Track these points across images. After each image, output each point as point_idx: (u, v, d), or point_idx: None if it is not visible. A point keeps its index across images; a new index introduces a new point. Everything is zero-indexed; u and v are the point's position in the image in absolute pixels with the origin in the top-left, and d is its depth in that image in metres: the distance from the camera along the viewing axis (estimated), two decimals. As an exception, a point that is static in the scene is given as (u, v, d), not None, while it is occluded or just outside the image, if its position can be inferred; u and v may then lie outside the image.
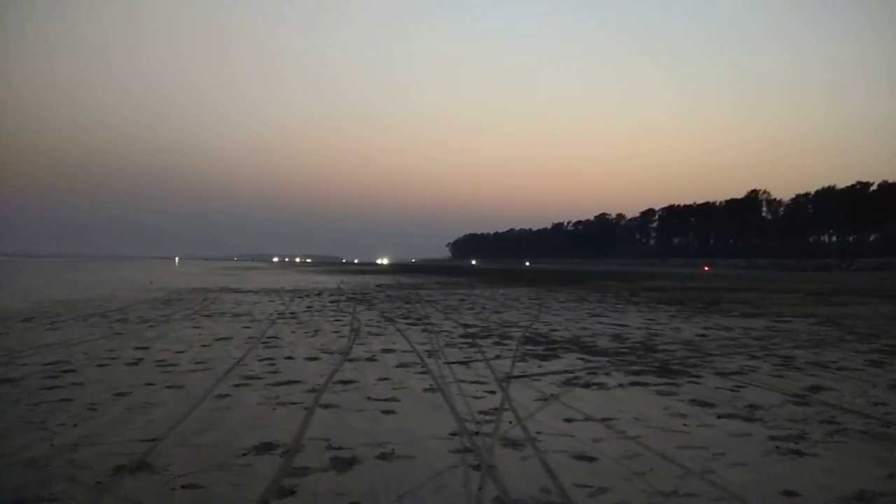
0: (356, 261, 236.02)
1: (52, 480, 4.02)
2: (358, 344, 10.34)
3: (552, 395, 6.59)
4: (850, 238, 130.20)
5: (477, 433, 5.14)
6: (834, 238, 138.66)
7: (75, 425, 5.27)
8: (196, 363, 8.36)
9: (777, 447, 4.83)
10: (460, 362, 8.57)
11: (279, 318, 14.47)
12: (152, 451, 4.58)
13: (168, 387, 6.86)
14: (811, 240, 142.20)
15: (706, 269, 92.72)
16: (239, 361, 8.50)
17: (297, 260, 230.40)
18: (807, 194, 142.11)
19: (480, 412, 5.82)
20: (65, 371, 7.68)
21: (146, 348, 9.63)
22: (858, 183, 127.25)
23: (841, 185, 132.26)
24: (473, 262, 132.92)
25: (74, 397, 6.29)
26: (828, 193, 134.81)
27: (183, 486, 3.93)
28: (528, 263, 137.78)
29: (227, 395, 6.45)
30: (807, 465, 4.44)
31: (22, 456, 4.48)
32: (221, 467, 4.28)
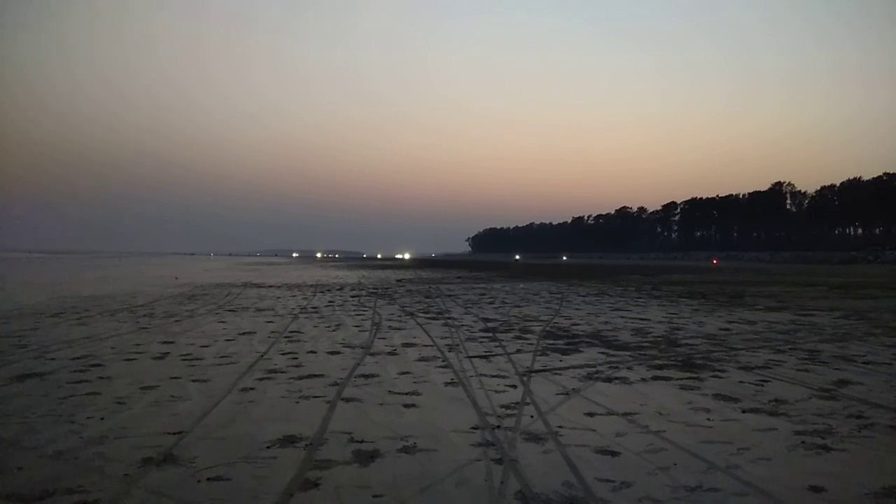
0: (379, 255, 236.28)
1: (80, 472, 4.09)
2: (379, 338, 10.39)
3: (573, 389, 6.56)
4: (877, 230, 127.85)
5: (498, 427, 5.14)
6: (860, 230, 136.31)
7: (103, 418, 5.36)
8: (221, 357, 8.45)
9: (803, 442, 4.77)
10: (481, 356, 8.58)
11: (301, 313, 14.58)
12: (178, 444, 4.64)
13: (193, 380, 6.94)
14: (836, 232, 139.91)
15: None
16: (262, 355, 8.58)
17: (318, 255, 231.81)
18: (832, 186, 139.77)
19: (502, 406, 5.82)
20: (92, 365, 7.81)
21: (172, 343, 9.75)
22: (885, 174, 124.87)
23: (867, 176, 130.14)
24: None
25: (102, 391, 6.39)
26: (854, 185, 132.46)
27: (209, 479, 3.98)
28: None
29: (252, 389, 6.51)
30: (834, 460, 4.38)
31: (51, 448, 4.56)
32: (246, 460, 4.33)
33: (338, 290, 24.03)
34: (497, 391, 6.45)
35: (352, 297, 20.19)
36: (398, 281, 31.36)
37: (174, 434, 4.89)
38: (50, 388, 6.51)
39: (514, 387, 6.66)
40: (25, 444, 4.66)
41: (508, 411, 5.64)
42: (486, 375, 7.26)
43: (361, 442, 4.73)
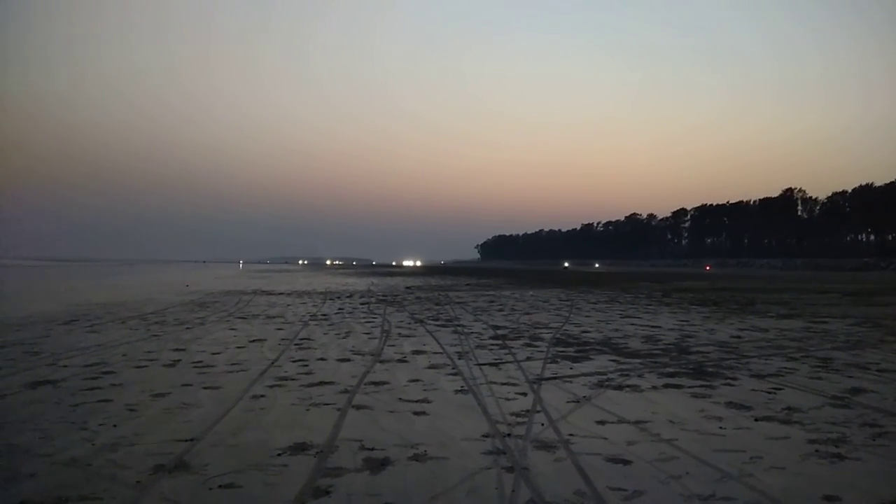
0: (393, 263, 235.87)
1: (93, 480, 4.11)
2: (389, 345, 10.39)
3: (584, 397, 6.54)
4: (890, 236, 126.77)
5: (509, 435, 5.13)
6: (872, 237, 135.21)
7: (115, 426, 5.38)
8: (231, 364, 8.48)
9: (817, 450, 4.73)
10: (491, 364, 8.56)
11: (311, 320, 14.61)
12: (190, 451, 4.66)
13: (205, 388, 6.97)
14: (848, 239, 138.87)
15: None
16: (273, 363, 8.60)
17: (328, 262, 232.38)
18: (844, 192, 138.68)
19: (512, 414, 5.80)
20: (104, 372, 7.85)
21: (183, 350, 9.80)
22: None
23: (879, 182, 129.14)
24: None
25: (114, 398, 6.43)
26: (866, 191, 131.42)
27: (220, 486, 4.00)
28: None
29: (262, 396, 6.53)
30: (848, 469, 4.34)
31: (64, 455, 4.59)
32: (257, 467, 4.34)
33: (347, 297, 24.07)
34: (507, 399, 6.44)
35: (361, 304, 20.22)
36: (407, 288, 31.37)
37: (186, 441, 4.91)
38: (62, 396, 6.55)
39: (525, 394, 6.64)
40: (38, 452, 4.69)
41: (519, 419, 5.62)
42: (496, 383, 7.25)
43: (372, 450, 4.73)
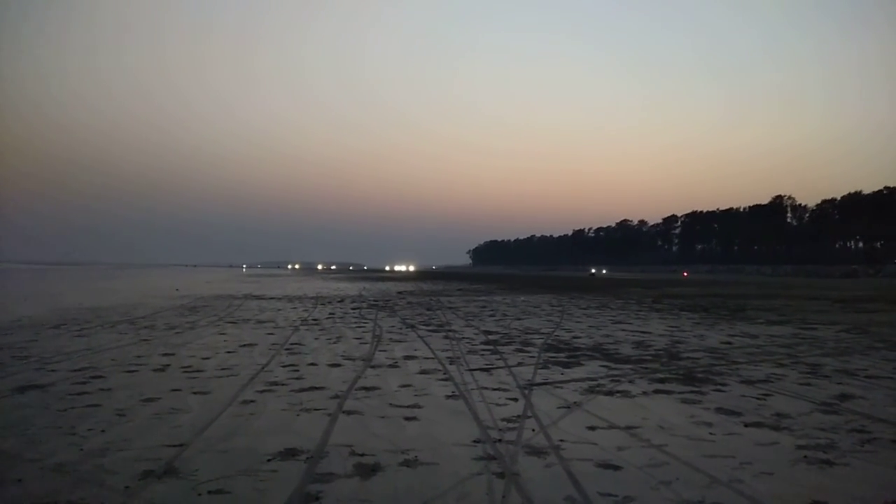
0: (386, 268, 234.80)
1: (81, 485, 4.08)
2: (380, 350, 10.37)
3: (575, 402, 6.55)
4: (878, 244, 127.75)
5: (500, 441, 5.13)
6: (861, 244, 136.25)
7: (103, 431, 5.35)
8: (221, 369, 8.44)
9: (806, 456, 4.76)
10: (482, 369, 8.56)
11: (302, 325, 14.57)
12: (179, 457, 4.63)
13: (194, 393, 6.93)
14: (837, 246, 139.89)
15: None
16: (263, 368, 8.56)
17: (319, 267, 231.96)
18: (833, 200, 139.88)
19: (503, 419, 5.80)
20: (93, 377, 7.80)
21: (173, 354, 9.74)
22: (886, 188, 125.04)
23: (867, 190, 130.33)
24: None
25: (103, 403, 6.38)
26: (854, 199, 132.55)
27: (209, 492, 3.97)
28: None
29: (252, 401, 6.50)
30: (837, 475, 4.37)
31: (52, 461, 4.56)
32: (247, 473, 4.32)
33: (338, 302, 24.02)
34: (498, 404, 6.44)
35: (352, 309, 20.18)
36: (399, 293, 31.35)
37: (175, 446, 4.88)
38: (50, 400, 6.50)
39: (516, 400, 6.64)
40: (26, 457, 4.65)
41: (510, 424, 5.62)
42: (487, 388, 7.24)
43: (362, 455, 4.72)
